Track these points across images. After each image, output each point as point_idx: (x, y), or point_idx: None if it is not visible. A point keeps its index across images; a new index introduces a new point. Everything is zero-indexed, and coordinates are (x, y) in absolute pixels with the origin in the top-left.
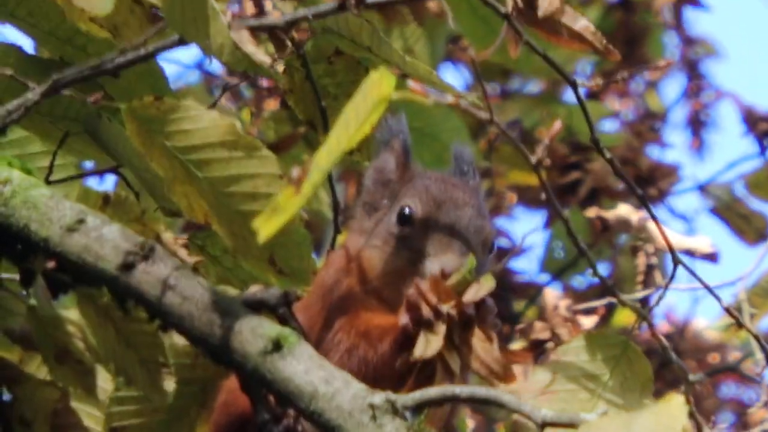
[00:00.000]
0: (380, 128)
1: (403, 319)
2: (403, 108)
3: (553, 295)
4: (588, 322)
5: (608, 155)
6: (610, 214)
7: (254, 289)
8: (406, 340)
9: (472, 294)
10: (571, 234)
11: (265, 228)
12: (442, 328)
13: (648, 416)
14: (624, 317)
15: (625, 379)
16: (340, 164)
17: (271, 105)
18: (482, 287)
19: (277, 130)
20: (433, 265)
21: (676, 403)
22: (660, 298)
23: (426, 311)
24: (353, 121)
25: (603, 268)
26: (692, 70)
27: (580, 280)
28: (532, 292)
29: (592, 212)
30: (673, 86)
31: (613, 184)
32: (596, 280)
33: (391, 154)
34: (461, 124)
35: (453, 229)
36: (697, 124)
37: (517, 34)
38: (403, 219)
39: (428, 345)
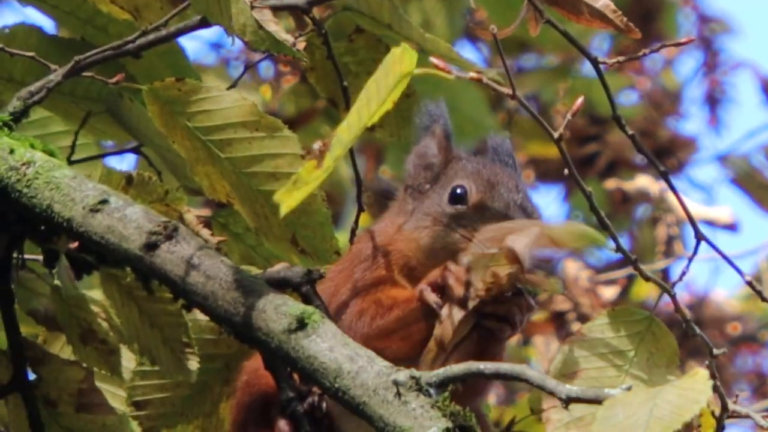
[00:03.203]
0: (420, 113)
1: (428, 293)
2: (421, 80)
3: (573, 266)
4: (608, 292)
5: (629, 131)
6: (630, 186)
7: (277, 268)
8: (424, 312)
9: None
10: (594, 208)
11: (287, 201)
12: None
13: (673, 390)
14: (644, 288)
15: (650, 355)
16: (360, 140)
17: (291, 81)
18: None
19: (297, 103)
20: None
21: (700, 378)
22: (683, 273)
23: (458, 291)
24: (375, 97)
25: (622, 240)
26: (708, 47)
27: (599, 256)
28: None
29: (611, 184)
30: (688, 64)
31: (632, 156)
32: (616, 253)
33: (432, 138)
34: (480, 96)
35: (506, 211)
36: (713, 101)
37: (539, 13)
38: (456, 198)
39: (451, 323)
